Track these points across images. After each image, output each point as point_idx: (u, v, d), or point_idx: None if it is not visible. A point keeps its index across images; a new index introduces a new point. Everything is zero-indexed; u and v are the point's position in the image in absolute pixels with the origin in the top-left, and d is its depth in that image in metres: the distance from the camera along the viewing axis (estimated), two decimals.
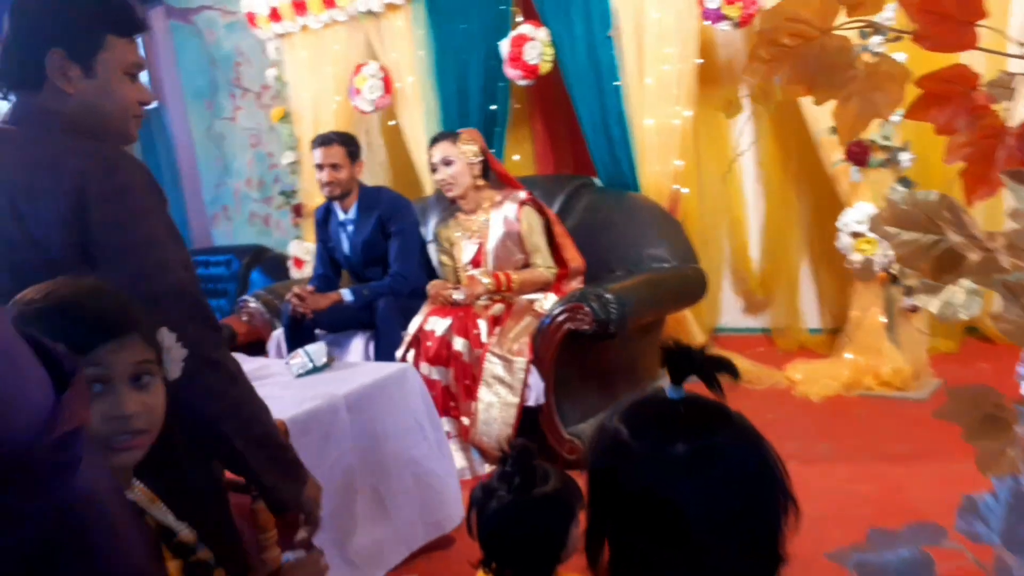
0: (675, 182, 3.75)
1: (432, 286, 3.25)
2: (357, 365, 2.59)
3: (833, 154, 3.37)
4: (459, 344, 3.01)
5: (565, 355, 2.90)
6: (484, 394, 2.91)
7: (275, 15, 4.63)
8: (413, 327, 3.13)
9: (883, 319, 3.41)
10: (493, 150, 3.54)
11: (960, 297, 1.05)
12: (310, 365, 2.43)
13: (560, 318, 2.86)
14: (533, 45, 3.84)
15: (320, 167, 3.44)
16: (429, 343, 3.05)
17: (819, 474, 2.70)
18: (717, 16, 3.43)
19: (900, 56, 3.13)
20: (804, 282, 4.22)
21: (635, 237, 3.41)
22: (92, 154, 1.36)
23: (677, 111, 3.66)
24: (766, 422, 3.29)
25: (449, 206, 3.53)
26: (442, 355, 3.03)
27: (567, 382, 2.96)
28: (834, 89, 1.02)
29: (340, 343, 3.45)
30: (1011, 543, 0.90)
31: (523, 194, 3.31)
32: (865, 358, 3.43)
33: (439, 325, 3.07)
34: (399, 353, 3.11)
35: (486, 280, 3.17)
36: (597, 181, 3.88)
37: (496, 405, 2.89)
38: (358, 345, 3.39)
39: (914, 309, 3.32)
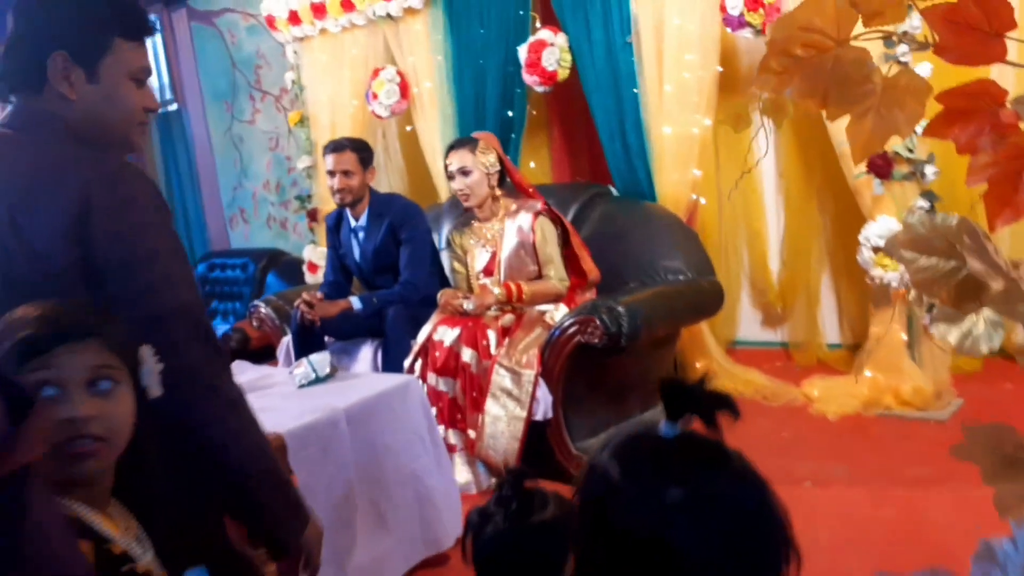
0: (693, 192, 3.68)
1: (443, 295, 3.20)
2: (360, 376, 2.54)
3: (855, 166, 3.28)
4: (467, 355, 2.95)
5: (575, 368, 2.84)
6: (491, 407, 2.86)
7: (294, 18, 4.61)
8: (422, 336, 3.08)
9: (904, 336, 3.32)
10: (509, 156, 3.48)
11: (981, 328, 0.98)
12: (313, 376, 2.39)
13: (570, 331, 2.80)
14: (551, 51, 3.78)
15: (331, 173, 3.40)
16: (437, 353, 3.00)
17: (834, 498, 2.62)
18: (739, 23, 3.36)
19: (925, 67, 3.07)
20: (824, 296, 4.13)
21: (650, 248, 3.34)
22: (95, 165, 1.30)
23: (696, 119, 3.58)
24: (781, 440, 3.24)
25: (464, 212, 3.48)
26: (450, 366, 2.98)
27: (576, 396, 2.89)
28: (849, 104, 0.95)
29: (349, 351, 3.41)
30: None
31: (538, 204, 3.25)
32: (885, 376, 3.34)
33: (448, 335, 3.02)
34: (407, 363, 3.06)
35: (496, 290, 3.12)
36: (613, 190, 3.82)
37: (503, 419, 2.83)
38: (367, 353, 3.35)
39: None
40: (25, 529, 0.61)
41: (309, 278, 4.91)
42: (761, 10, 3.28)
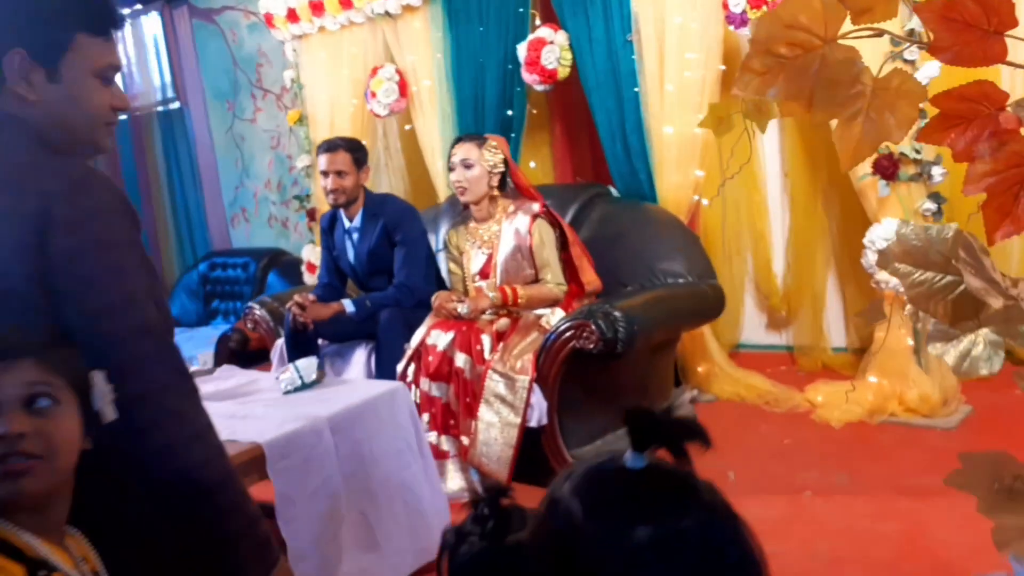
0: (695, 193, 3.61)
1: (437, 297, 3.13)
2: (346, 383, 2.48)
3: (860, 166, 3.21)
4: (461, 360, 2.89)
5: (570, 374, 2.78)
6: (485, 413, 2.79)
7: (292, 16, 4.56)
8: (415, 341, 3.02)
9: (910, 341, 3.24)
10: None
11: (980, 349, 0.91)
12: (299, 382, 2.33)
13: (565, 335, 2.74)
14: (551, 49, 3.72)
15: (325, 174, 3.34)
16: (430, 358, 2.94)
17: (836, 509, 2.55)
18: (742, 21, 3.29)
19: (933, 67, 2.99)
20: (830, 299, 4.05)
21: (649, 250, 3.27)
22: (56, 173, 1.22)
23: (698, 119, 3.49)
24: (782, 448, 3.16)
25: (462, 212, 3.41)
26: (443, 371, 2.91)
27: (572, 402, 2.83)
28: (836, 107, 0.89)
29: (342, 354, 3.35)
30: None
31: (536, 206, 3.18)
32: (890, 382, 3.26)
33: (441, 339, 2.95)
34: (399, 367, 3.00)
35: (491, 294, 3.06)
36: (613, 191, 3.75)
37: (496, 425, 2.77)
38: (360, 357, 3.29)
39: None
40: None
41: (308, 278, 4.87)
42: (764, 7, 3.20)
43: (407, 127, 4.60)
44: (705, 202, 3.72)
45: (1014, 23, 0.85)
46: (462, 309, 3.01)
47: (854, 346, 3.98)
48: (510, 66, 3.92)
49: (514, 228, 3.18)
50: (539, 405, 2.77)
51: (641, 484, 0.77)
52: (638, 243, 3.31)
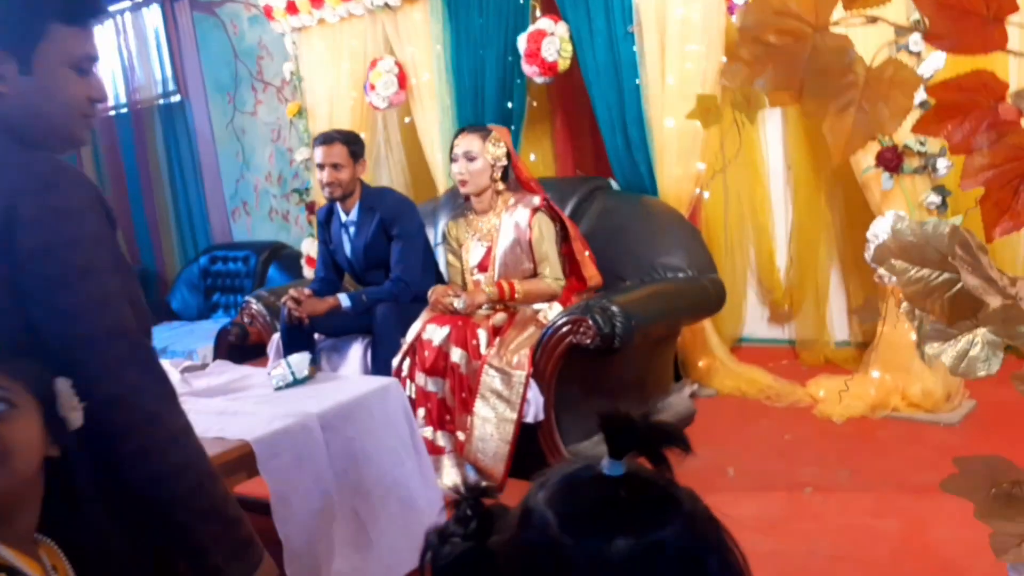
0: (697, 186, 3.57)
1: (433, 291, 3.10)
2: (338, 379, 2.45)
3: (864, 159, 3.16)
4: (456, 355, 2.86)
5: (567, 369, 2.75)
6: (480, 408, 2.76)
7: (292, 8, 4.53)
8: (410, 335, 2.99)
9: (913, 335, 3.19)
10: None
11: (978, 350, 0.87)
12: (290, 378, 2.30)
13: (562, 331, 2.70)
14: (551, 41, 3.67)
15: (321, 166, 3.31)
16: (426, 352, 2.91)
17: (837, 506, 2.51)
18: None
19: (938, 59, 2.94)
20: (833, 292, 4.01)
21: (649, 244, 3.24)
22: (24, 169, 1.19)
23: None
24: (783, 443, 3.12)
25: (463, 203, 3.37)
26: (439, 366, 2.88)
27: (569, 397, 2.80)
28: (828, 97, 0.85)
29: (339, 349, 3.32)
30: None
31: (537, 199, 3.15)
32: (893, 376, 3.22)
33: (437, 334, 2.92)
34: (395, 362, 2.97)
35: (488, 289, 3.02)
36: (614, 184, 3.71)
37: (492, 420, 2.74)
38: (356, 351, 3.26)
39: None
40: None
41: (308, 272, 4.84)
42: None
43: (407, 120, 4.56)
44: (706, 195, 3.67)
45: (1014, 8, 0.81)
46: (458, 304, 2.98)
47: (857, 340, 3.95)
48: (510, 58, 3.87)
49: (514, 221, 3.14)
50: (535, 401, 2.74)
51: (619, 493, 0.74)
52: (638, 237, 3.28)
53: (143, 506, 1.21)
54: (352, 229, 3.40)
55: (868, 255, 3.46)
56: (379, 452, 2.21)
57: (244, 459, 1.85)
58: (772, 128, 4.09)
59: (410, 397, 2.85)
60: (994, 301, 0.82)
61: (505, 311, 3.02)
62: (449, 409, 2.88)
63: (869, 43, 0.93)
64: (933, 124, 0.85)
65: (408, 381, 2.92)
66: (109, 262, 1.22)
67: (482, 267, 3.20)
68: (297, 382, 2.31)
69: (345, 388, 2.27)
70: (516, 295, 3.02)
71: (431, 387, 2.89)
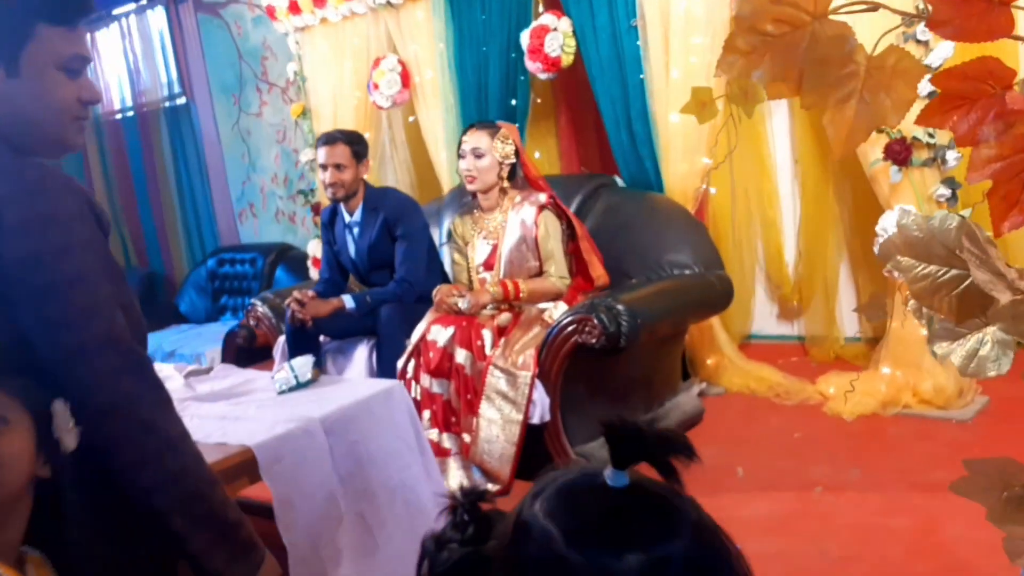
0: (703, 182, 3.53)
1: (438, 292, 3.08)
2: (342, 382, 2.43)
3: (871, 152, 3.12)
4: (461, 356, 2.84)
5: (573, 369, 2.72)
6: (486, 410, 2.74)
7: (294, 7, 4.51)
8: (415, 337, 2.97)
9: (924, 331, 3.15)
10: None
11: (988, 348, 0.84)
12: (294, 382, 2.28)
13: (567, 330, 2.68)
14: (554, 36, 3.64)
15: (324, 167, 3.29)
16: (431, 354, 2.88)
17: (847, 505, 2.48)
18: None
19: (946, 48, 2.90)
20: (843, 288, 3.96)
21: (655, 241, 3.20)
22: (11, 176, 1.16)
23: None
24: (793, 442, 3.08)
25: (471, 200, 3.34)
26: (444, 367, 2.86)
27: (575, 398, 2.77)
28: (828, 88, 0.82)
29: (344, 351, 3.30)
30: None
31: (543, 197, 3.12)
32: (904, 373, 3.18)
33: (441, 335, 2.90)
34: (399, 364, 2.95)
35: (492, 289, 3.00)
36: (619, 180, 3.68)
37: (498, 422, 2.72)
38: (361, 353, 3.24)
39: None
40: None
41: (314, 273, 4.83)
42: None
43: (411, 119, 4.54)
44: (713, 191, 3.63)
45: None
46: (463, 304, 2.95)
47: (867, 336, 3.90)
48: (513, 55, 3.85)
49: (520, 219, 3.12)
50: (541, 401, 2.71)
51: (624, 505, 0.71)
52: (643, 234, 3.24)
53: (141, 515, 1.19)
54: (356, 230, 3.38)
55: (877, 249, 3.42)
56: (384, 455, 2.19)
57: (246, 465, 1.83)
58: (779, 121, 4.05)
59: (415, 399, 2.83)
60: (1004, 296, 0.79)
61: (510, 311, 2.99)
62: (454, 411, 2.86)
63: (875, 31, 0.90)
64: (938, 115, 0.82)
65: (413, 383, 2.90)
66: (99, 269, 1.20)
67: (488, 265, 3.18)
68: (300, 385, 2.29)
69: (348, 391, 2.24)
70: (521, 294, 2.99)
71: (436, 389, 2.87)
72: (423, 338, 2.94)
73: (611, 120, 3.65)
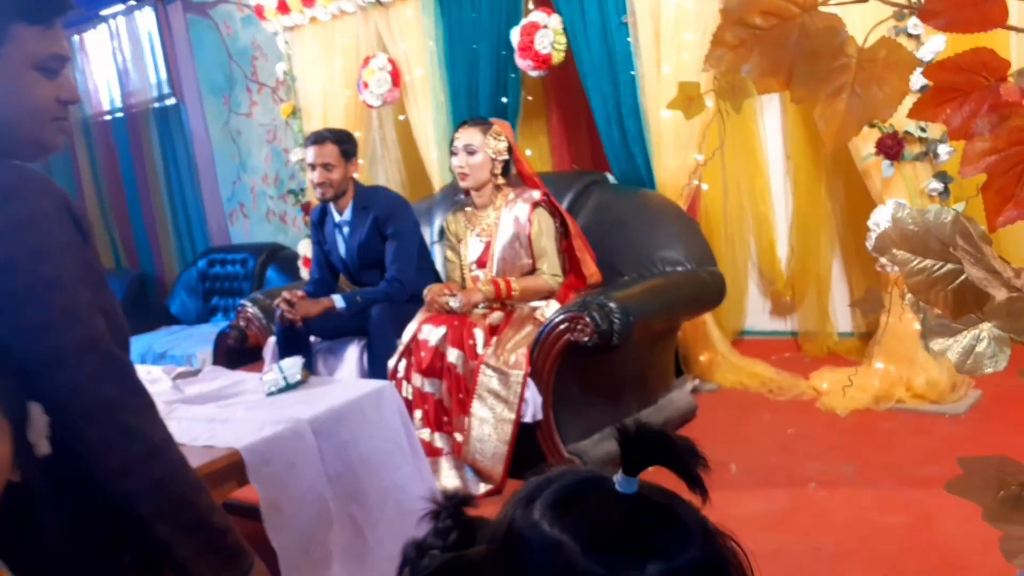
0: (695, 178, 3.52)
1: (429, 291, 3.05)
2: (331, 383, 2.41)
3: (863, 146, 3.11)
4: (453, 355, 2.82)
5: (565, 367, 2.70)
6: (478, 409, 2.72)
7: (283, 7, 4.48)
8: (406, 336, 2.95)
9: (917, 325, 3.14)
10: None
11: (985, 345, 0.83)
12: (283, 383, 2.26)
13: (559, 328, 2.66)
14: (544, 33, 3.63)
15: (312, 167, 3.26)
16: (422, 353, 2.87)
17: (841, 501, 2.47)
18: None
19: (938, 41, 2.89)
20: (835, 283, 3.96)
21: (647, 238, 3.19)
22: None
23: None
24: (786, 438, 3.07)
25: (464, 197, 3.32)
26: (435, 366, 2.84)
27: (567, 396, 2.76)
28: (818, 82, 0.80)
29: (335, 351, 3.28)
30: None
31: (537, 194, 3.10)
32: (897, 367, 3.17)
33: (433, 334, 2.88)
34: (391, 363, 2.93)
35: (484, 288, 2.98)
36: (610, 177, 3.66)
37: (490, 421, 2.70)
38: (352, 353, 3.22)
39: None
40: None
41: (305, 273, 4.81)
42: None
43: (401, 117, 4.52)
44: (705, 187, 3.62)
45: None
46: (454, 303, 2.93)
47: (860, 331, 3.90)
48: (504, 52, 3.83)
49: (513, 216, 3.10)
50: (534, 400, 2.70)
51: (638, 513, 0.69)
52: (635, 231, 3.23)
53: (124, 522, 1.17)
54: (346, 229, 3.36)
55: (870, 244, 3.40)
56: (375, 456, 2.17)
57: (233, 468, 1.81)
58: (771, 117, 4.04)
59: (407, 399, 2.81)
60: (999, 294, 0.78)
61: (502, 309, 2.98)
62: (446, 410, 2.84)
63: (866, 22, 0.88)
64: (930, 108, 0.80)
65: (404, 382, 2.88)
66: (78, 273, 1.17)
67: (480, 263, 3.16)
68: (290, 387, 2.27)
69: (338, 392, 2.23)
70: (513, 293, 2.97)
71: (428, 388, 2.85)
72: (414, 337, 2.92)
73: (602, 117, 3.63)
